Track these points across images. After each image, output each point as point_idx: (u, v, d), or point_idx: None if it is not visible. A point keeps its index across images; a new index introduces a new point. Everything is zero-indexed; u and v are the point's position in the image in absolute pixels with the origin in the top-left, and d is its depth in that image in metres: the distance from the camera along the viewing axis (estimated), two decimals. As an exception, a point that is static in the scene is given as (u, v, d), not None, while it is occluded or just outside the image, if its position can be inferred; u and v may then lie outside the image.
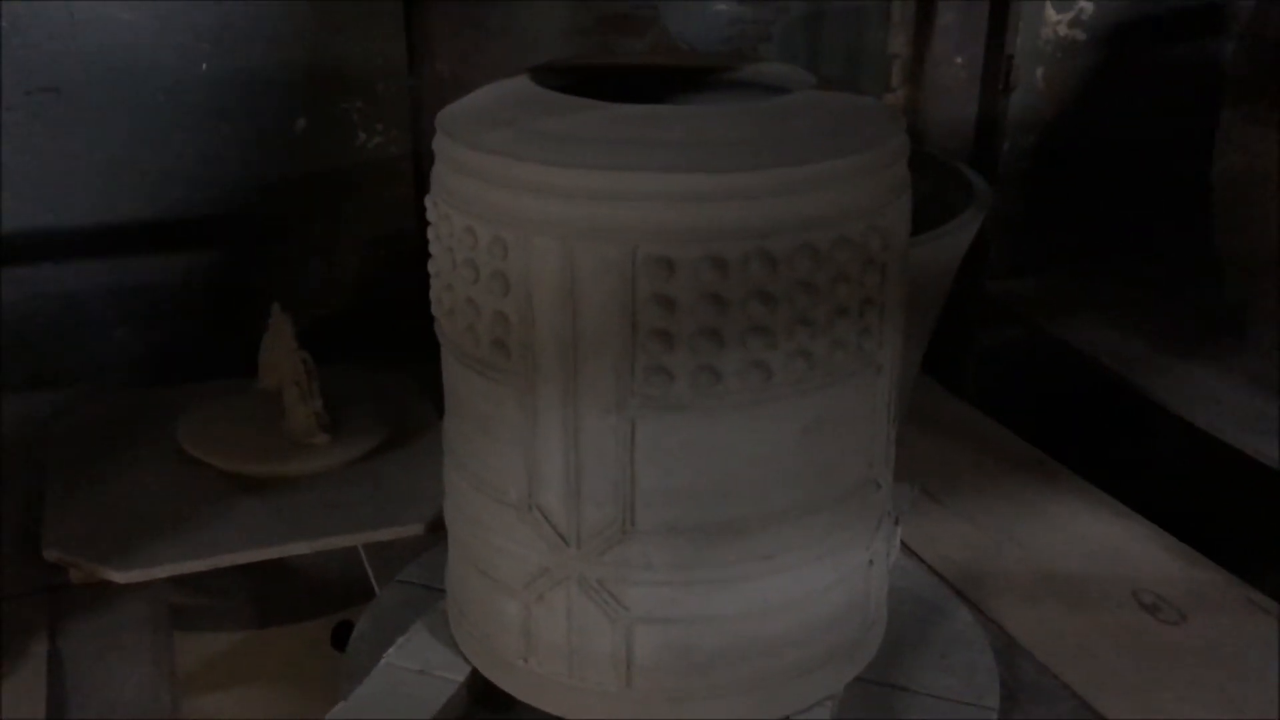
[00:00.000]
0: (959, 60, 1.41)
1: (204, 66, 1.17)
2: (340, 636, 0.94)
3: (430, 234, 0.68)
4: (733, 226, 0.59)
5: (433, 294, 0.69)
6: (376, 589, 0.88)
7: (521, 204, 0.61)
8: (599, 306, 0.60)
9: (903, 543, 0.93)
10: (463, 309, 0.65)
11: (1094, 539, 0.96)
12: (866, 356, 0.65)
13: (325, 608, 1.01)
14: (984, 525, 0.98)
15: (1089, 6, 1.45)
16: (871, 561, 0.72)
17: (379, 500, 0.95)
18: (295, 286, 1.26)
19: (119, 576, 0.86)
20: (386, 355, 1.20)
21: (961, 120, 1.40)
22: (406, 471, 0.98)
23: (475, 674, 0.74)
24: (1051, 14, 1.45)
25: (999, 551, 0.94)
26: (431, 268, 0.68)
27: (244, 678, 0.97)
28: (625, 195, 0.59)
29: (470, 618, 0.73)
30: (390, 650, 0.75)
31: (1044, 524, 0.98)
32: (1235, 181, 1.25)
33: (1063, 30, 1.46)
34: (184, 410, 1.04)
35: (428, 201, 0.67)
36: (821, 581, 0.68)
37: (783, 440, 0.64)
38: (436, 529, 0.88)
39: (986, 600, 0.88)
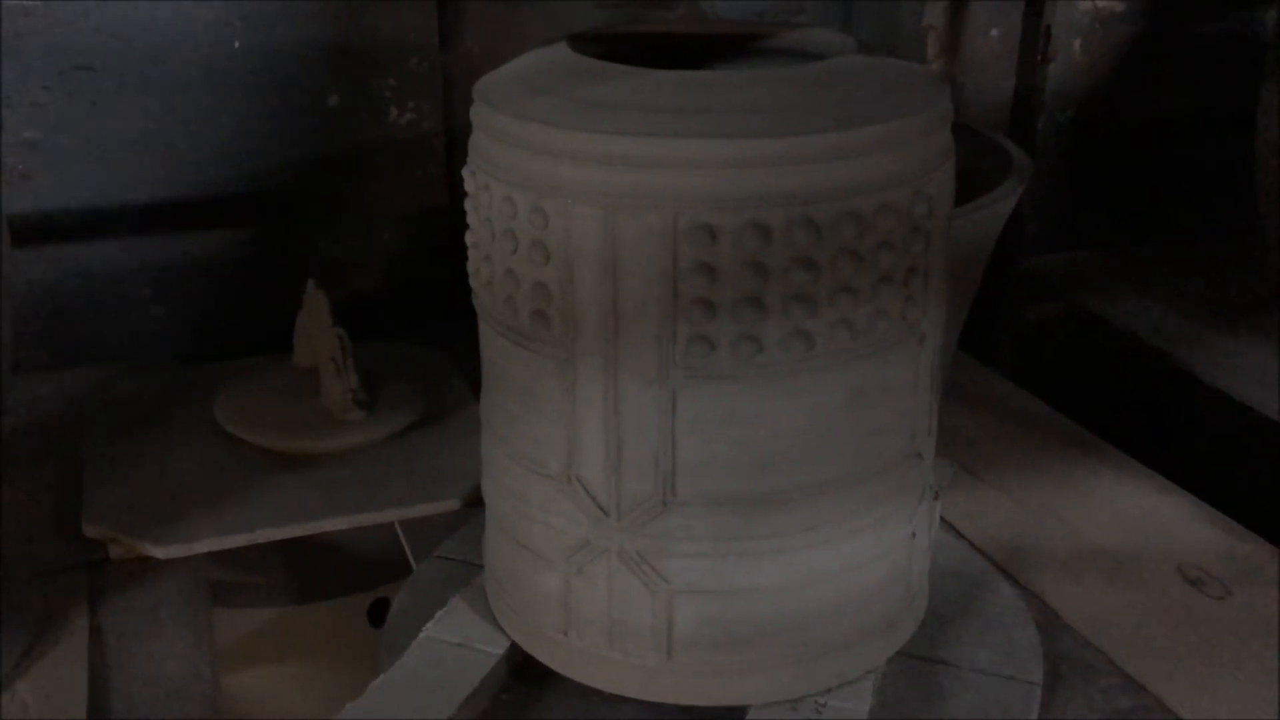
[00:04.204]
0: (995, 32, 1.39)
1: (236, 44, 1.17)
2: (377, 614, 0.94)
3: (468, 205, 0.67)
4: (775, 193, 0.58)
5: (470, 266, 0.68)
6: (414, 565, 0.88)
7: (562, 172, 0.60)
8: (640, 275, 0.60)
9: (942, 518, 0.92)
10: (501, 280, 0.65)
11: (1136, 513, 0.95)
12: (910, 325, 0.64)
13: (363, 584, 1.02)
14: (1024, 500, 0.97)
15: (1127, -23, 1.43)
16: (914, 534, 0.71)
17: (415, 476, 0.95)
18: (329, 263, 1.26)
19: (159, 552, 0.86)
20: (421, 332, 1.20)
21: (998, 93, 1.39)
22: (442, 447, 0.98)
23: (514, 647, 0.73)
24: (1089, -15, 1.43)
25: (1040, 527, 0.93)
26: (469, 239, 0.68)
27: (283, 654, 0.98)
28: (666, 162, 0.58)
29: (509, 591, 0.73)
30: (429, 624, 0.75)
31: (1085, 499, 0.97)
32: (1276, 154, 1.23)
33: (1101, 2, 1.44)
34: (220, 387, 1.04)
35: (465, 172, 0.67)
36: (864, 554, 0.67)
37: (825, 411, 0.63)
38: (473, 504, 0.88)
39: (1028, 575, 0.87)
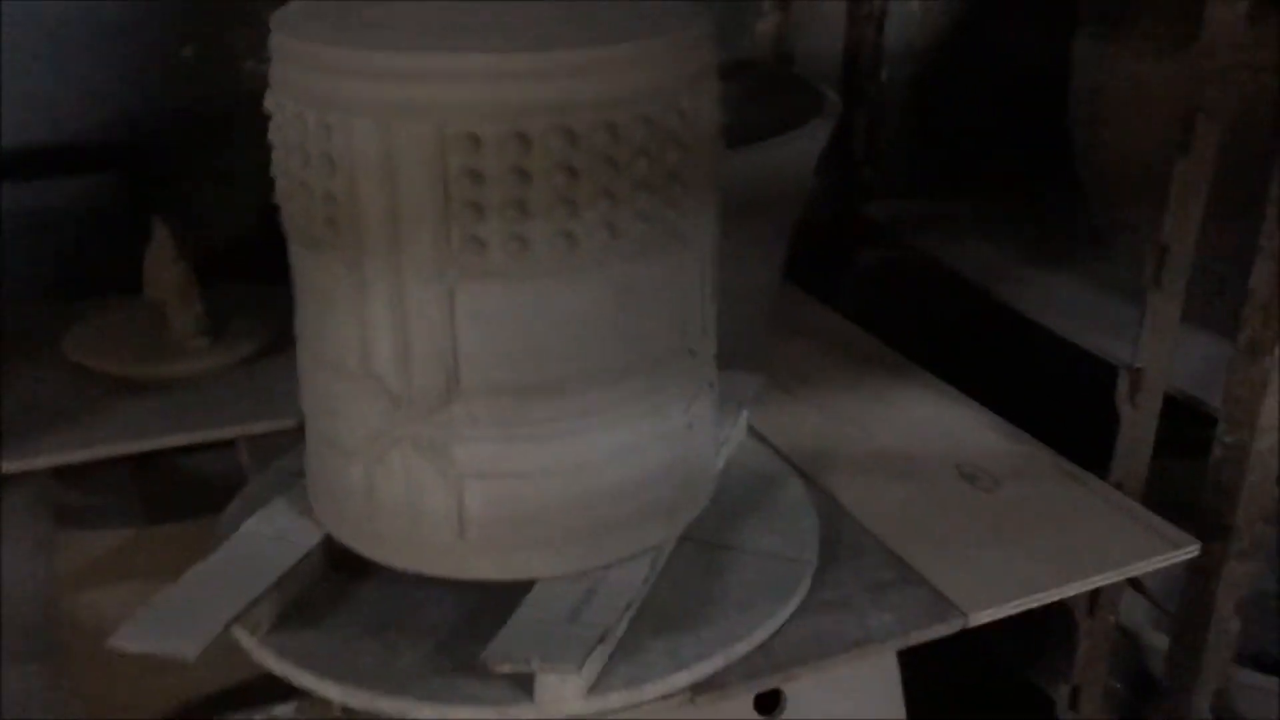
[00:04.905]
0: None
1: (90, -8, 1.21)
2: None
3: (271, 128, 0.73)
4: (535, 104, 0.65)
5: (276, 185, 0.74)
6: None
7: (341, 87, 0.66)
8: (415, 181, 0.66)
9: (753, 428, 1.00)
10: (297, 192, 0.71)
11: (930, 422, 1.03)
12: (671, 230, 0.71)
13: (210, 506, 1.06)
14: (831, 413, 1.05)
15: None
16: (691, 425, 0.78)
17: (257, 398, 1.00)
18: (192, 212, 1.30)
19: (3, 466, 0.91)
20: (282, 280, 1.24)
21: (834, 50, 1.46)
22: (286, 373, 1.02)
23: (329, 540, 0.79)
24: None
25: (841, 435, 1.01)
26: (273, 159, 0.73)
27: (131, 574, 1.02)
28: (433, 76, 0.64)
29: (322, 487, 0.79)
30: (248, 519, 0.80)
31: (886, 410, 1.05)
32: (1088, 101, 1.32)
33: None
34: (71, 321, 1.08)
35: (267, 96, 0.72)
36: (638, 439, 0.74)
37: (595, 306, 0.70)
38: (309, 421, 0.93)
39: (822, 475, 0.95)
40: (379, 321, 0.70)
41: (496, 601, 0.74)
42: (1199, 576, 0.98)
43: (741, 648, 0.75)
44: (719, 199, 0.77)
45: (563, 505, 0.73)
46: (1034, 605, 0.82)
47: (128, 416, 0.97)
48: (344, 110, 0.66)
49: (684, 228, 0.72)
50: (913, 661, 0.87)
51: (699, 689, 0.72)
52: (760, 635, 0.76)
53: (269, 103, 0.72)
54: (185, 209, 1.28)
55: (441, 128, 0.65)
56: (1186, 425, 1.02)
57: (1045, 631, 1.09)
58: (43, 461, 0.91)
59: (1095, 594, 0.98)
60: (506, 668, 0.67)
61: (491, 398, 0.70)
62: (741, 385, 0.96)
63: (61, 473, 0.96)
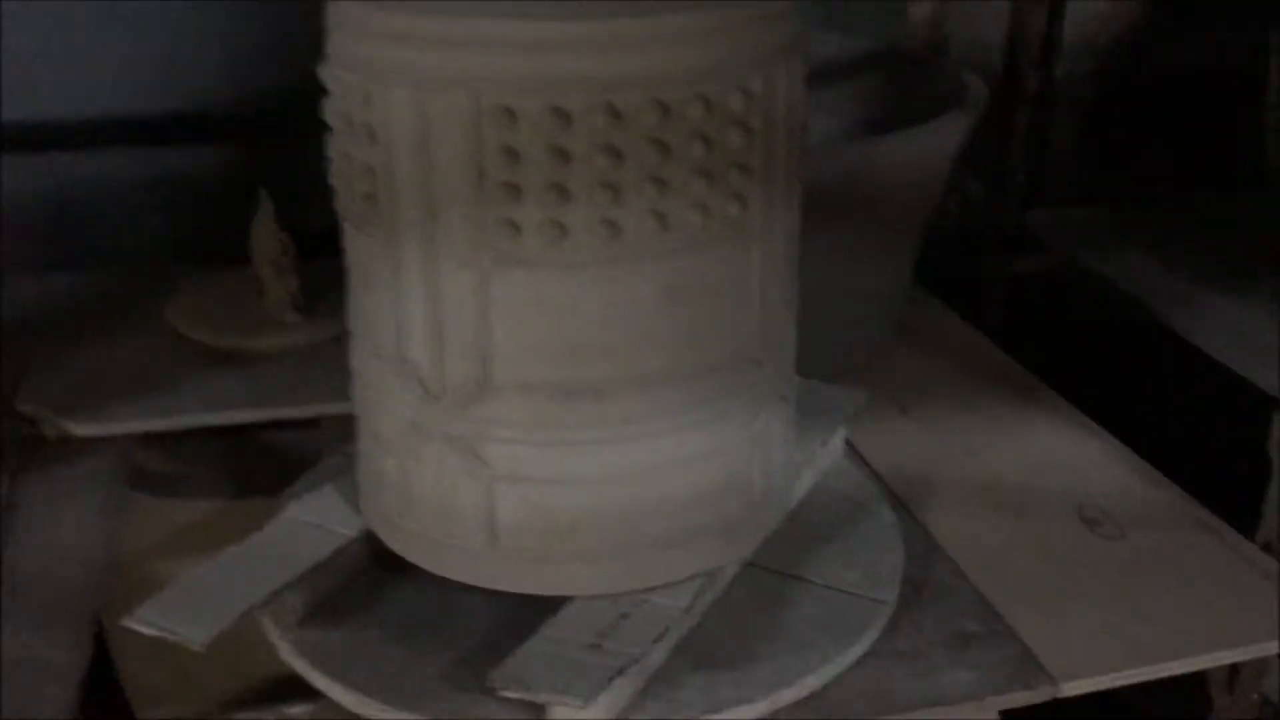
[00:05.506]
0: (1003, -25, 1.35)
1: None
2: None
3: (325, 103, 0.69)
4: (576, 77, 0.59)
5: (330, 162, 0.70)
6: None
7: (379, 53, 0.62)
8: (448, 157, 0.61)
9: (851, 447, 0.91)
10: (341, 164, 0.67)
11: (1054, 454, 0.93)
12: (732, 222, 0.64)
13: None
14: (944, 435, 0.95)
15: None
16: (755, 441, 0.70)
17: (343, 378, 0.97)
18: (301, 186, 1.29)
19: (78, 430, 0.91)
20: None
21: (998, 40, 1.35)
22: (374, 354, 1.01)
23: (373, 532, 0.75)
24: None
25: (950, 460, 0.92)
26: (327, 136, 0.69)
27: (208, 546, 1.01)
28: (469, 42, 0.59)
29: (363, 478, 0.75)
30: (292, 504, 0.77)
31: (1006, 436, 0.95)
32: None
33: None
34: (180, 287, 1.08)
35: (321, 66, 0.68)
36: (688, 454, 0.67)
37: (638, 303, 0.63)
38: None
39: (921, 505, 0.86)
40: (414, 307, 0.65)
41: (535, 614, 0.69)
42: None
43: (789, 694, 0.67)
44: (798, 191, 0.69)
45: (602, 519, 0.67)
46: (1143, 679, 0.71)
47: (209, 389, 0.96)
48: (381, 77, 0.62)
49: (749, 222, 0.65)
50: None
51: (733, 737, 0.65)
52: (813, 682, 0.68)
53: (322, 74, 0.68)
54: (295, 182, 1.27)
55: (476, 100, 0.59)
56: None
57: (1179, 703, 0.97)
58: (117, 429, 0.90)
59: (1235, 668, 0.86)
60: (513, 693, 0.62)
61: (525, 396, 0.65)
62: (839, 400, 0.87)
63: (149, 439, 0.96)
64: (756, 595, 0.74)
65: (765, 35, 0.63)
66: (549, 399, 0.65)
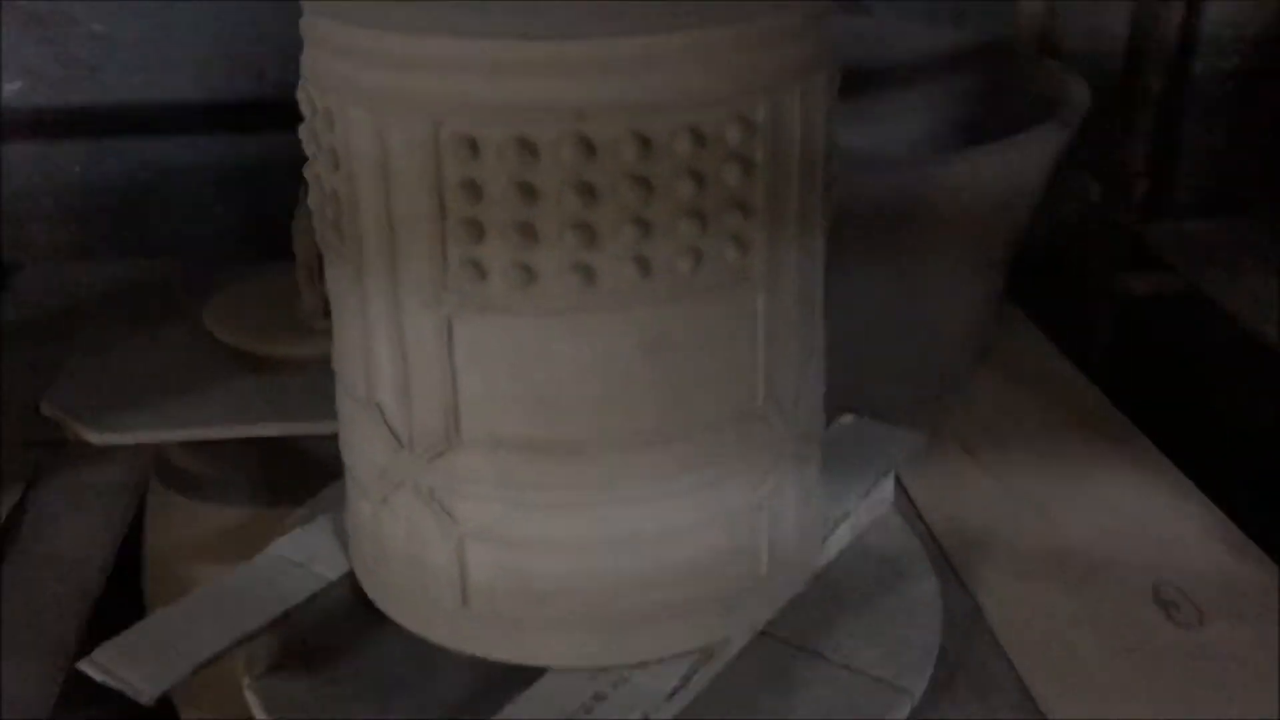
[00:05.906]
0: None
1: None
2: None
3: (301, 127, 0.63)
4: (544, 104, 0.52)
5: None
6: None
7: (338, 69, 0.56)
8: (409, 188, 0.55)
9: (906, 494, 0.83)
10: (314, 188, 0.61)
11: (1137, 518, 0.82)
12: (730, 267, 0.56)
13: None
14: (1011, 486, 0.86)
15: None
16: (761, 507, 0.63)
17: (368, 392, 0.93)
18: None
19: (96, 438, 0.88)
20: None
21: (1121, 36, 1.22)
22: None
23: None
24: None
25: (1014, 518, 0.82)
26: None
27: (237, 554, 0.99)
28: (428, 63, 0.53)
29: (348, 518, 0.70)
30: (279, 539, 0.73)
31: (1082, 494, 0.85)
32: None
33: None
34: (222, 286, 1.05)
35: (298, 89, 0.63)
36: (679, 521, 0.60)
37: (617, 355, 0.56)
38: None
39: (971, 571, 0.77)
40: (380, 348, 0.60)
41: (518, 682, 0.63)
42: None
43: (779, 797, 0.60)
44: (819, 228, 0.61)
45: (581, 586, 0.61)
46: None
47: (234, 398, 0.92)
48: (341, 96, 0.56)
49: (750, 267, 0.57)
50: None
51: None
52: (810, 783, 0.61)
53: (299, 93, 0.62)
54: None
55: (436, 127, 0.53)
56: None
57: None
58: (128, 439, 0.87)
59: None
60: (459, 783, 0.56)
61: (494, 451, 0.59)
62: (891, 444, 0.79)
63: (185, 443, 0.93)
64: (765, 670, 0.67)
65: (771, 56, 0.55)
66: (520, 454, 0.58)
